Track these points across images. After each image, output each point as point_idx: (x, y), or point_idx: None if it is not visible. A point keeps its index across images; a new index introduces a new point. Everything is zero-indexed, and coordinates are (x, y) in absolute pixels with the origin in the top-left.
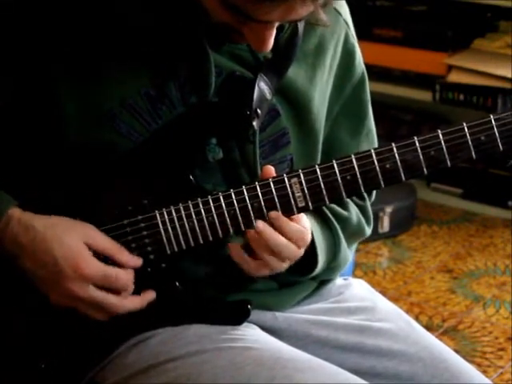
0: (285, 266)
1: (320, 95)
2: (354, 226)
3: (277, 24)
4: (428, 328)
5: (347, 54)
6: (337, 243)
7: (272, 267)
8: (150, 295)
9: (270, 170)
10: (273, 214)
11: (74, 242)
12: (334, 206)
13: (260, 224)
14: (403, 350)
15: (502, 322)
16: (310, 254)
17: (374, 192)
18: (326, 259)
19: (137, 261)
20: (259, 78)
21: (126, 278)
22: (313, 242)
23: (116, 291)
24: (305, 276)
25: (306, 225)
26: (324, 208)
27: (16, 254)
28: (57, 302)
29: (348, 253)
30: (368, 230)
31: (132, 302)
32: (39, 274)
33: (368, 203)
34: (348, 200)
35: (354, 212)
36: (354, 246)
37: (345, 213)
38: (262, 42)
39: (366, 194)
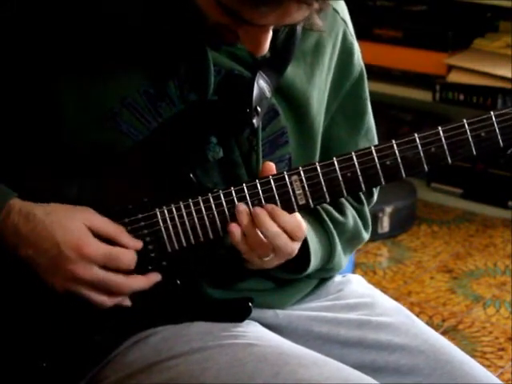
0: (276, 261)
1: (319, 94)
2: (351, 231)
3: (272, 27)
4: None
5: (345, 52)
6: (332, 246)
7: (262, 254)
8: (155, 276)
9: (271, 167)
10: (269, 206)
11: (74, 225)
12: (330, 209)
13: (257, 209)
14: (404, 344)
15: (502, 322)
16: (303, 253)
17: (375, 196)
18: (320, 260)
19: (137, 243)
20: (258, 76)
21: (128, 256)
22: (306, 241)
23: (120, 271)
24: (296, 274)
25: (301, 220)
26: (320, 211)
27: (17, 244)
28: (61, 287)
29: (342, 258)
30: (365, 235)
31: (137, 281)
32: (41, 262)
33: (366, 207)
34: (346, 203)
35: (350, 216)
36: (350, 254)
37: (341, 218)
38: (258, 45)
39: (364, 198)
